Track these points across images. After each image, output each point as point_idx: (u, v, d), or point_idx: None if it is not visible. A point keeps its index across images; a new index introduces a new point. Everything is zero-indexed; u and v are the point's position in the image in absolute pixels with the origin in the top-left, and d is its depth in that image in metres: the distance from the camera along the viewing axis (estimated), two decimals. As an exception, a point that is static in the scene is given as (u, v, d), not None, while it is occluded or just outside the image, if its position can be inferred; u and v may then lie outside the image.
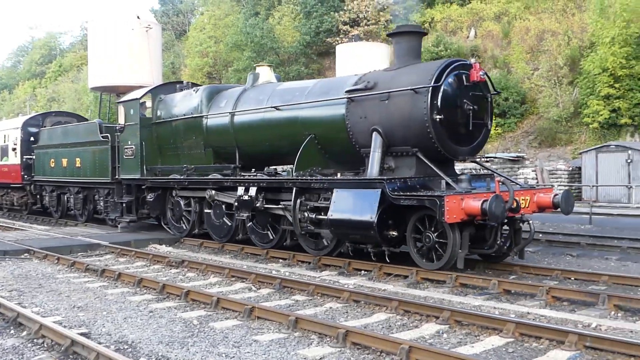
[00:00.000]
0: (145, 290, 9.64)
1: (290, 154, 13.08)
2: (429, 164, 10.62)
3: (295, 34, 45.92)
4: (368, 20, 41.86)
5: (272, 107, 13.05)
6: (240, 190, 13.11)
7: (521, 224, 10.65)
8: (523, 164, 27.48)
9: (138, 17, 27.07)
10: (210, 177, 14.37)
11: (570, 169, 26.50)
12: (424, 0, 42.34)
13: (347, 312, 8.07)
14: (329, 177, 11.60)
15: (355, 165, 12.24)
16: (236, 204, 13.22)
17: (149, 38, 26.82)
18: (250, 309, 7.79)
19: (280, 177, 12.52)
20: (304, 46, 44.29)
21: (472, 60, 10.50)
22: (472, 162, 11.32)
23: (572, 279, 9.76)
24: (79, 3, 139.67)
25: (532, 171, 26.67)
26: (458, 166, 14.68)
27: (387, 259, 10.67)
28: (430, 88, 10.28)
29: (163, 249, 14.61)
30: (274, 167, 13.82)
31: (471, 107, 10.70)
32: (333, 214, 10.84)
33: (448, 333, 6.98)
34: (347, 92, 11.60)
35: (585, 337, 6.26)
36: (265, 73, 14.64)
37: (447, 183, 10.71)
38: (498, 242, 10.13)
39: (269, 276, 10.16)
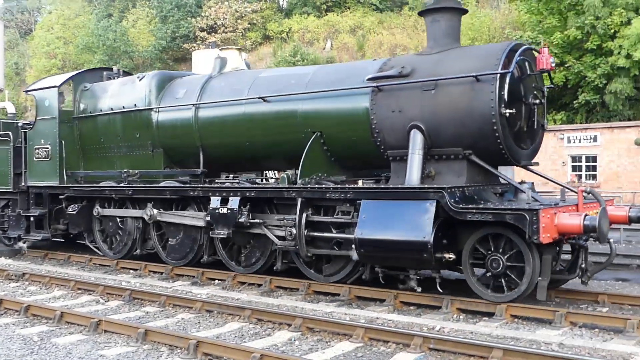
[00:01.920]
0: (-22, 307, 8.72)
1: (279, 157, 10.68)
2: (493, 170, 8.65)
3: (151, 38, 45.28)
4: (226, 28, 41.82)
5: (257, 98, 10.47)
6: (215, 201, 10.40)
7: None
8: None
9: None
10: (165, 184, 11.47)
11: None
12: (282, 10, 43.61)
13: (199, 322, 8.02)
14: (353, 186, 9.25)
15: (371, 172, 10.01)
16: (208, 218, 10.48)
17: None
18: (96, 322, 7.57)
19: (279, 186, 9.95)
20: (159, 51, 43.61)
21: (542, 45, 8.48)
22: (525, 168, 9.40)
23: None
24: None
25: None
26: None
27: (438, 288, 8.51)
28: (499, 75, 8.28)
29: (1, 261, 13.37)
30: (255, 173, 11.27)
31: (537, 102, 8.84)
32: (363, 232, 8.52)
33: (300, 340, 7.10)
34: (369, 79, 9.34)
35: (429, 340, 6.57)
36: (234, 58, 12.01)
37: (496, 194, 8.86)
38: (583, 265, 8.27)
39: (119, 287, 9.90)
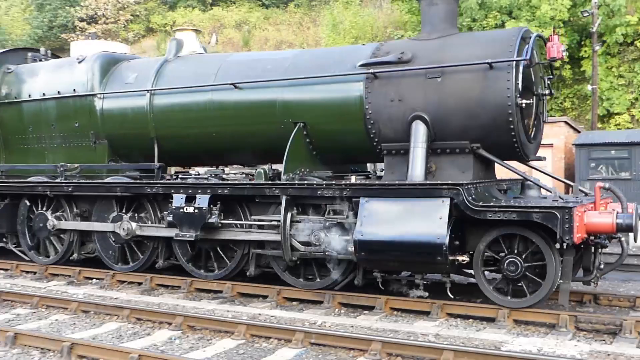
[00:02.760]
0: None
1: (250, 150, 9.65)
2: (505, 164, 8.06)
3: (25, 26, 42.84)
4: (107, 18, 40.27)
5: (228, 85, 9.35)
6: (179, 199, 9.20)
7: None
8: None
9: None
10: (111, 180, 10.10)
11: None
12: (166, 3, 42.36)
13: (74, 323, 7.70)
14: (350, 182, 8.36)
15: (356, 167, 9.20)
16: (170, 218, 9.27)
17: None
18: (-42, 327, 7.04)
19: (260, 182, 8.87)
20: (35, 40, 40.96)
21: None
22: (526, 164, 8.85)
23: None
24: None
25: None
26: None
27: (449, 293, 7.82)
28: (514, 63, 7.68)
29: None
30: (222, 168, 10.13)
31: (546, 92, 8.33)
32: (364, 233, 7.70)
33: (181, 339, 6.98)
34: (363, 65, 8.49)
35: (310, 335, 6.63)
36: (191, 41, 10.76)
37: (500, 191, 8.30)
38: (601, 266, 7.82)
39: (-15, 289, 9.13)
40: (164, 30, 40.37)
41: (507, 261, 7.49)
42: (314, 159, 9.12)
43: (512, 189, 8.63)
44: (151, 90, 9.99)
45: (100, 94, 10.46)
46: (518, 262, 7.42)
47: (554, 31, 8.19)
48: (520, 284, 7.59)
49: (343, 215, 8.22)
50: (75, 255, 10.72)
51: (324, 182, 8.32)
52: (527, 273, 7.44)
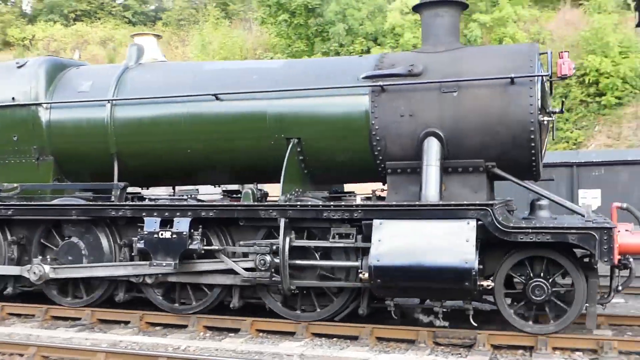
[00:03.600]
0: None
1: (230, 169, 8.75)
2: (524, 184, 7.70)
3: None
4: None
5: (208, 95, 8.42)
6: (152, 223, 8.13)
7: None
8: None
9: None
10: (60, 202, 8.81)
11: None
12: (25, 16, 41.41)
13: None
14: (363, 203, 7.70)
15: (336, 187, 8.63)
16: (141, 245, 8.17)
17: None
18: None
19: (254, 204, 7.97)
20: None
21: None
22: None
23: None
24: None
25: None
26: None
27: (472, 321, 7.30)
28: (537, 78, 7.39)
29: None
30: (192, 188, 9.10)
31: (556, 110, 8.12)
32: (380, 258, 7.07)
33: None
34: (368, 77, 7.91)
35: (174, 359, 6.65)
36: (152, 47, 9.68)
37: (510, 212, 7.99)
38: (619, 288, 7.61)
39: None
40: (22, 44, 38.34)
41: (532, 285, 7.12)
42: (305, 178, 8.39)
43: (517, 210, 8.33)
44: (112, 100, 8.83)
45: (47, 103, 9.14)
46: (544, 286, 7.07)
47: (565, 49, 8.00)
48: (542, 309, 7.27)
49: (351, 240, 7.54)
50: (9, 290, 9.25)
51: (332, 204, 7.61)
52: (551, 297, 7.11)
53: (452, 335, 7.16)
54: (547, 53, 7.69)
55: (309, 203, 7.72)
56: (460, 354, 6.93)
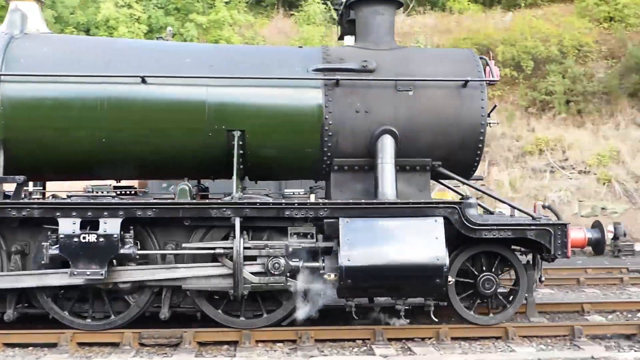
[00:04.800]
0: None
1: (153, 162, 7.76)
2: (467, 182, 8.00)
3: None
4: None
5: (133, 77, 7.31)
6: (69, 224, 6.86)
7: None
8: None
9: None
10: None
11: None
12: None
13: None
14: (328, 201, 7.29)
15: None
16: (54, 251, 6.85)
17: None
18: None
19: (203, 202, 7.09)
20: None
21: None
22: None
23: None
24: None
25: None
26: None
27: (433, 317, 7.41)
28: (485, 83, 7.75)
29: None
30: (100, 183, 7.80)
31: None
32: (350, 258, 6.89)
33: None
34: (318, 70, 7.59)
35: None
36: (35, 16, 8.06)
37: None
38: (542, 279, 8.24)
39: None
40: None
41: (483, 279, 7.47)
42: (243, 174, 7.77)
43: None
44: (1, 75, 7.21)
45: None
46: (494, 280, 7.47)
47: (488, 54, 8.54)
48: (485, 301, 7.67)
49: (312, 240, 7.17)
50: None
51: (295, 202, 7.14)
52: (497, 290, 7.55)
53: (157, 335, 7.05)
54: (484, 59, 8.12)
55: (270, 201, 7.15)
56: (166, 353, 6.86)
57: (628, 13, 22.29)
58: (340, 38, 8.67)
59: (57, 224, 6.88)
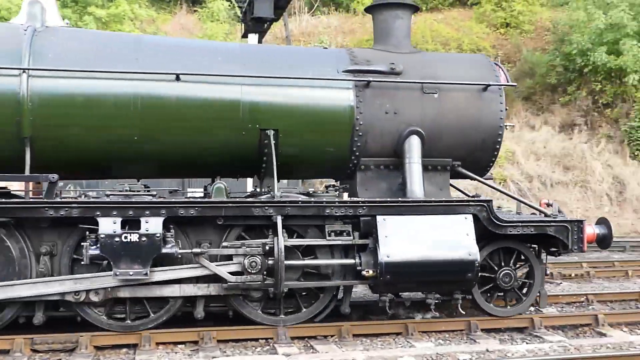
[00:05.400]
0: None
1: (184, 161, 7.73)
2: (484, 182, 8.37)
3: None
4: None
5: (167, 74, 7.23)
6: (110, 224, 6.72)
7: None
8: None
9: None
10: None
11: None
12: None
13: None
14: (367, 199, 7.44)
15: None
16: (95, 251, 6.70)
17: None
18: None
19: (246, 200, 7.09)
20: None
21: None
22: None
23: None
24: None
25: None
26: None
27: (460, 310, 7.75)
28: (503, 88, 8.17)
29: None
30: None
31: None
32: (390, 254, 7.13)
33: None
34: (349, 71, 7.77)
35: None
36: (52, 9, 7.78)
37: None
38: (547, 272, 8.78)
39: None
40: None
41: (502, 273, 7.89)
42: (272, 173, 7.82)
43: None
44: (29, 70, 6.95)
45: None
46: (512, 274, 7.90)
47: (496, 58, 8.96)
48: (501, 294, 8.10)
49: (349, 237, 7.34)
50: None
51: (336, 200, 7.30)
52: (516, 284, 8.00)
53: (52, 340, 6.78)
54: (497, 64, 8.55)
55: (312, 199, 7.26)
56: (60, 358, 6.64)
57: (523, 20, 23.49)
58: (244, 36, 8.78)
59: (94, 223, 6.73)
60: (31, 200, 6.83)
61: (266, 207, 7.05)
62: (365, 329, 7.53)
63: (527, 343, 7.33)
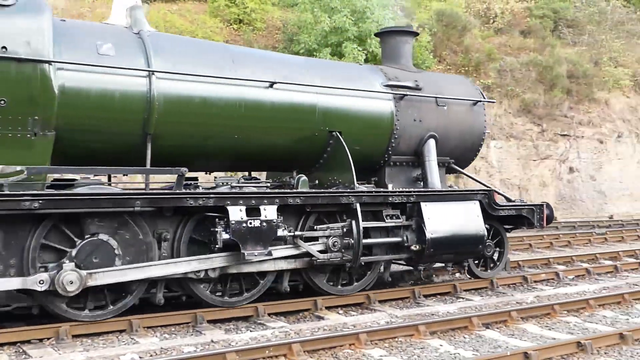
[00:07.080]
0: None
1: (269, 157, 9.04)
2: (468, 175, 10.68)
3: None
4: None
5: (263, 82, 8.38)
6: (237, 212, 7.81)
7: None
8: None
9: None
10: (91, 189, 7.21)
11: None
12: None
13: None
14: (413, 189, 9.25)
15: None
16: (227, 235, 7.72)
17: None
18: None
19: (336, 191, 8.48)
20: None
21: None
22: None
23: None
24: None
25: None
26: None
27: (475, 269, 10.05)
28: (486, 103, 10.59)
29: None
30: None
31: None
32: (433, 232, 9.21)
33: None
34: (387, 86, 9.58)
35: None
36: (141, 15, 8.30)
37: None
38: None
39: None
40: None
41: (486, 245, 10.34)
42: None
43: None
44: (156, 72, 7.63)
45: (59, 62, 7.09)
46: (492, 245, 10.39)
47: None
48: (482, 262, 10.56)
49: (400, 220, 9.19)
50: None
51: (397, 190, 9.07)
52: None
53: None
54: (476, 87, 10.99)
55: (381, 190, 8.95)
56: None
57: (255, 17, 24.37)
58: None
59: (214, 211, 7.71)
60: (172, 192, 7.52)
61: (349, 196, 8.60)
62: (85, 328, 7.12)
63: (250, 331, 7.47)
